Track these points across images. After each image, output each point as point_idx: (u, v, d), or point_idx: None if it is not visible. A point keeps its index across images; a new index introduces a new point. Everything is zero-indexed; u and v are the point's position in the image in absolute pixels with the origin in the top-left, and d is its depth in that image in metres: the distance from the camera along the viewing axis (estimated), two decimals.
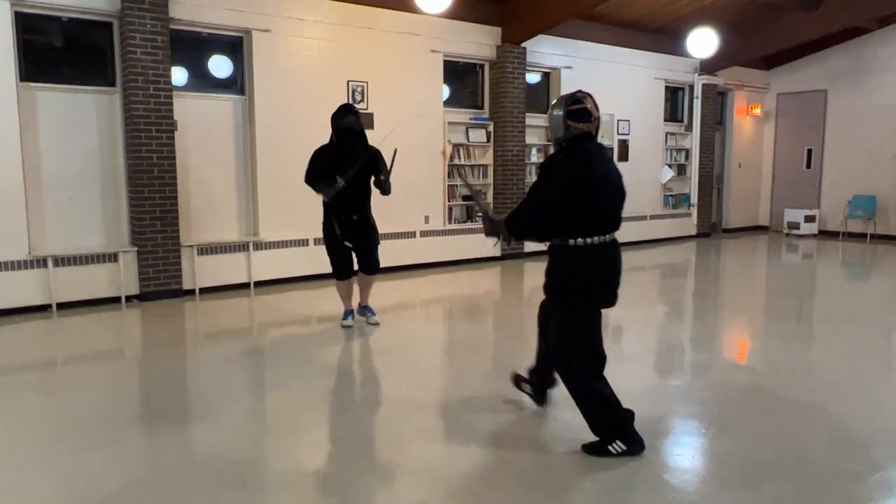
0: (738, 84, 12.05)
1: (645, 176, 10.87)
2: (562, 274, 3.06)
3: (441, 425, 3.53)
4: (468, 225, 8.83)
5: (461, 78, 8.97)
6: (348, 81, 7.65)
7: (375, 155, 5.13)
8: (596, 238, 2.97)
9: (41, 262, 5.99)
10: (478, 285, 7.72)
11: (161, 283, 6.53)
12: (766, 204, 12.95)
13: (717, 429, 3.40)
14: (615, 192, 3.07)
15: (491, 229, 3.32)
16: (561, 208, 2.94)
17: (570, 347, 3.06)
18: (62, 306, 6.09)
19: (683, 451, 3.18)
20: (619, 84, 10.26)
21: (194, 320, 6.14)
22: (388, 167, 5.16)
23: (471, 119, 8.92)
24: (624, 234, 11.20)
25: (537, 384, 3.57)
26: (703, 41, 8.99)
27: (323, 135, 5.41)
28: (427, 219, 8.52)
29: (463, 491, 2.75)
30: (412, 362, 4.64)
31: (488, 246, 5.64)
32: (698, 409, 3.71)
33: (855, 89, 11.47)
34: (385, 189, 5.16)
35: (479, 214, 3.55)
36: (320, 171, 5.12)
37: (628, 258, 10.73)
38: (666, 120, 11.22)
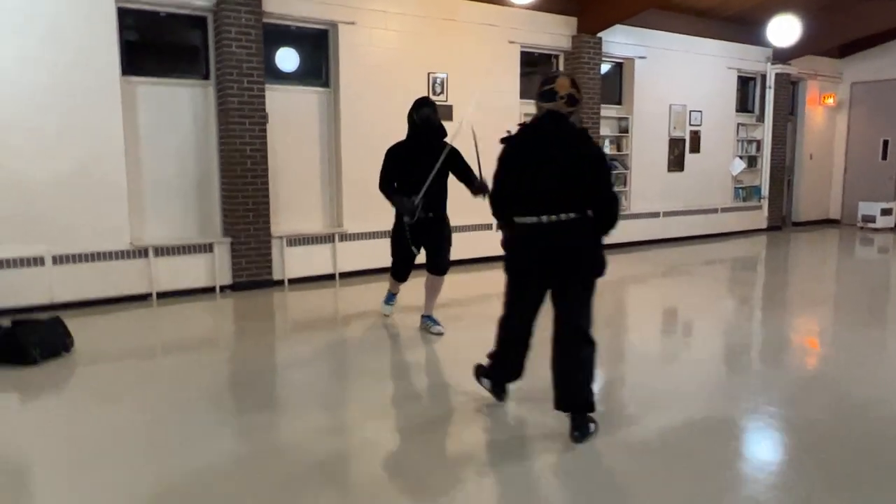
0: (811, 73, 11.73)
1: (716, 168, 10.67)
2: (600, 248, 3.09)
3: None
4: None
5: (536, 68, 8.90)
6: (429, 73, 7.65)
7: (452, 152, 4.65)
8: (519, 218, 3.09)
9: (142, 253, 6.13)
10: None
11: (253, 274, 6.63)
12: (837, 197, 12.59)
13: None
14: (538, 172, 3.01)
15: None
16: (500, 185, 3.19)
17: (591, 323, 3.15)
18: (161, 296, 6.23)
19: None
20: (691, 74, 10.07)
21: (285, 311, 6.22)
22: (477, 158, 4.50)
23: None
24: (695, 227, 11.03)
25: (502, 377, 3.47)
26: (785, 29, 8.77)
27: (405, 128, 4.98)
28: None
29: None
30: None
31: None
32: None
33: None
34: (479, 190, 4.48)
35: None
36: (394, 173, 4.79)
37: (698, 252, 10.49)
38: (737, 111, 10.97)
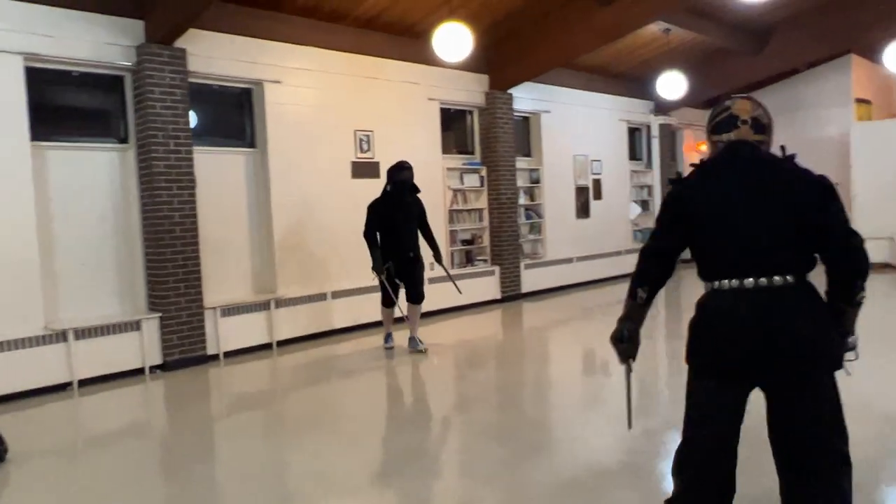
0: (686, 123, 12.87)
1: (617, 213, 11.31)
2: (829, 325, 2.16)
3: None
4: (469, 269, 8.82)
5: (452, 124, 9.07)
6: (355, 131, 7.55)
7: (421, 206, 6.29)
8: (717, 283, 2.21)
9: (60, 337, 5.43)
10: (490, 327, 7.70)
11: (186, 350, 6.08)
12: None
13: None
14: (744, 217, 2.15)
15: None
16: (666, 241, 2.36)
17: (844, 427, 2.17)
18: (84, 383, 5.53)
19: None
20: (589, 126, 10.70)
21: (221, 389, 5.76)
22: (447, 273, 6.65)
23: (464, 164, 9.00)
24: (603, 269, 11.56)
25: None
26: (673, 83, 9.59)
27: (335, 186, 6.96)
28: (432, 266, 8.42)
29: None
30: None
31: None
32: None
33: (789, 125, 12.49)
34: (438, 258, 6.50)
35: None
36: (377, 225, 6.03)
37: (607, 293, 11.00)
38: (630, 159, 11.77)
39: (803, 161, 2.28)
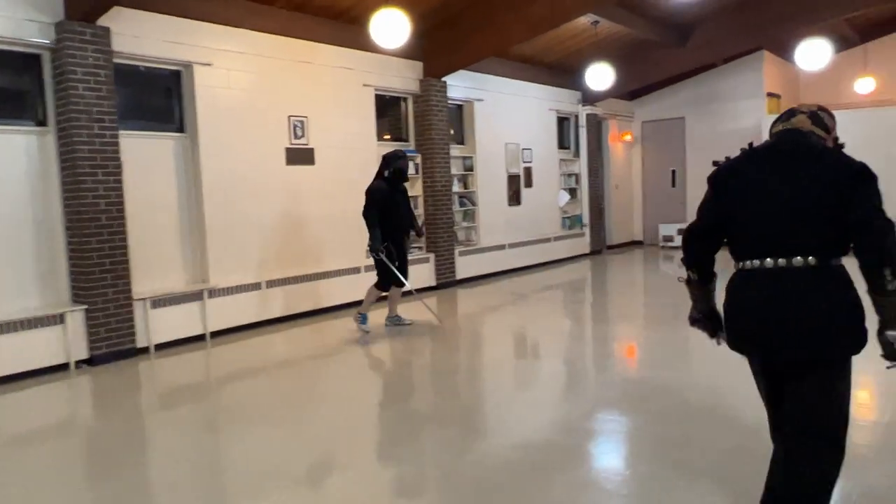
0: (611, 114, 13.25)
1: (546, 201, 11.57)
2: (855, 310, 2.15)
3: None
4: (414, 256, 8.81)
5: (386, 111, 9.01)
6: (289, 116, 7.39)
7: (406, 190, 6.77)
8: (741, 263, 2.30)
9: None
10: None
11: (113, 344, 5.83)
12: (639, 221, 14.28)
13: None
14: (770, 200, 2.21)
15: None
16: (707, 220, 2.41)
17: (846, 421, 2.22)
18: (4, 380, 5.22)
19: None
20: (521, 115, 10.87)
21: (153, 383, 5.53)
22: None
23: None
24: (534, 256, 11.85)
25: None
26: (600, 75, 9.84)
27: (270, 173, 7.13)
28: (368, 253, 8.38)
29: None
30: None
31: None
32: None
33: (707, 116, 13.12)
34: (420, 233, 7.05)
35: None
36: (379, 208, 6.31)
37: (538, 279, 11.25)
38: (559, 147, 12.03)
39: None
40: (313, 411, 4.46)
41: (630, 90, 13.01)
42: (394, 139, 9.10)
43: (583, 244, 12.46)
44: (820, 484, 2.14)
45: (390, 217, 6.36)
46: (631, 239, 14.23)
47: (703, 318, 2.50)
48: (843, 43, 12.68)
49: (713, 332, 2.52)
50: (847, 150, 2.30)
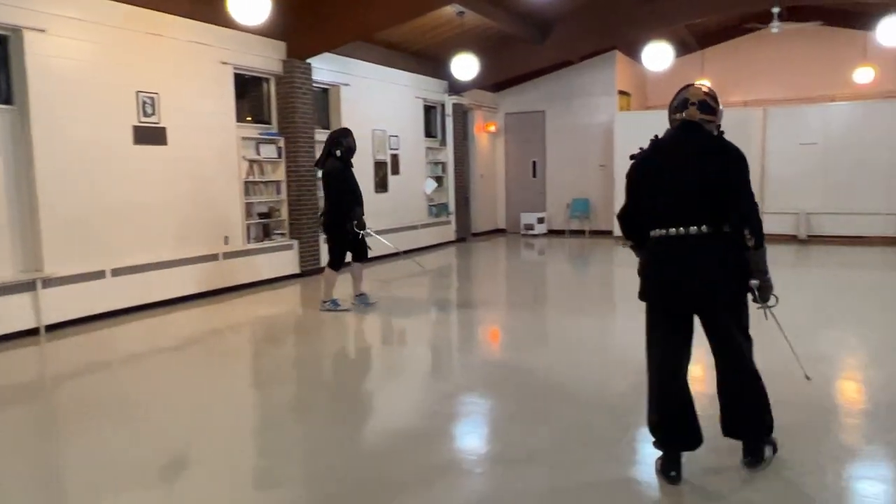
0: (476, 104, 13.54)
1: (413, 188, 11.64)
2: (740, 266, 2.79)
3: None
4: (266, 244, 8.55)
5: (246, 92, 8.63)
6: (137, 92, 6.88)
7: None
8: (652, 232, 2.88)
9: None
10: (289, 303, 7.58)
11: None
12: (502, 209, 14.74)
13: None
14: (671, 180, 2.81)
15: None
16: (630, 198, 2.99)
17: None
18: None
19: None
20: (388, 101, 10.83)
21: None
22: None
23: (260, 134, 8.64)
24: (400, 242, 11.93)
25: (675, 443, 2.90)
26: (466, 65, 10.02)
27: (115, 152, 6.64)
28: (227, 239, 8.03)
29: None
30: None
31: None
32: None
33: (565, 110, 13.77)
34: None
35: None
36: (348, 188, 6.57)
37: (410, 265, 11.37)
38: (425, 136, 12.13)
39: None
40: (160, 408, 4.20)
41: (494, 82, 13.34)
42: (255, 121, 8.75)
43: (448, 231, 12.68)
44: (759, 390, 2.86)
45: (355, 194, 6.60)
46: (495, 227, 14.66)
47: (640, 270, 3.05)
48: (684, 48, 13.75)
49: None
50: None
